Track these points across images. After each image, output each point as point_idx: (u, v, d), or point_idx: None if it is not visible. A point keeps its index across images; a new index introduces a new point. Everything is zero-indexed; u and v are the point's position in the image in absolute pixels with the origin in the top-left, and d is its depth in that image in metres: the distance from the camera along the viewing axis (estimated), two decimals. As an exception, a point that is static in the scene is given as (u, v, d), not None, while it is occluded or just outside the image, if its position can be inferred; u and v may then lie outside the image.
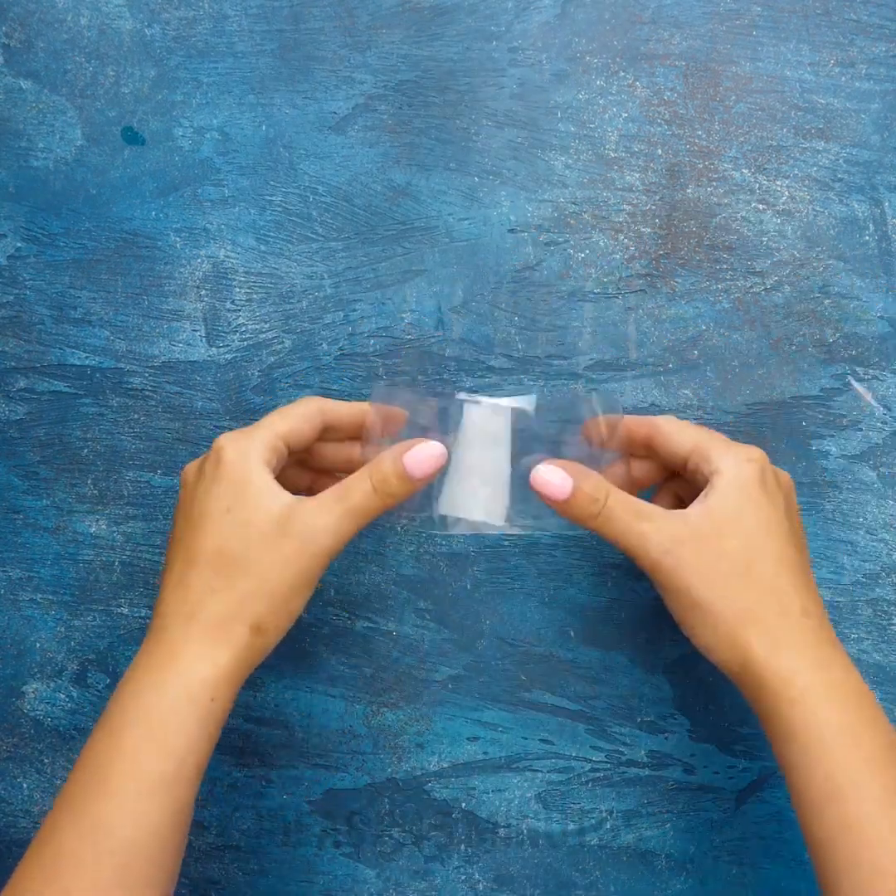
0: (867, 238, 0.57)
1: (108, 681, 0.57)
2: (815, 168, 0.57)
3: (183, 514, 0.46)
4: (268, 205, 0.57)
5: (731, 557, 0.44)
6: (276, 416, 0.47)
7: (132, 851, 0.40)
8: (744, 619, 0.43)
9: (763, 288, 0.56)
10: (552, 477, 0.44)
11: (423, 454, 0.45)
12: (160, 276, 0.57)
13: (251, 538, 0.44)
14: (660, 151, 0.57)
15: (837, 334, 0.56)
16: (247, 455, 0.45)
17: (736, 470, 0.45)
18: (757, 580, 0.43)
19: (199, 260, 0.57)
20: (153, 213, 0.57)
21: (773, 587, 0.44)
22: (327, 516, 0.44)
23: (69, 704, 0.57)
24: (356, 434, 0.50)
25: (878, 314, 0.56)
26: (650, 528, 0.44)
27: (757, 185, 0.57)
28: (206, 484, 0.45)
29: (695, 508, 0.45)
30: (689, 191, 0.57)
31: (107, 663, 0.57)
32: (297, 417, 0.47)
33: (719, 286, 0.56)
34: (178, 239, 0.57)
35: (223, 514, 0.44)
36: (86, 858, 0.40)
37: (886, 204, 0.57)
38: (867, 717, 0.42)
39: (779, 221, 0.57)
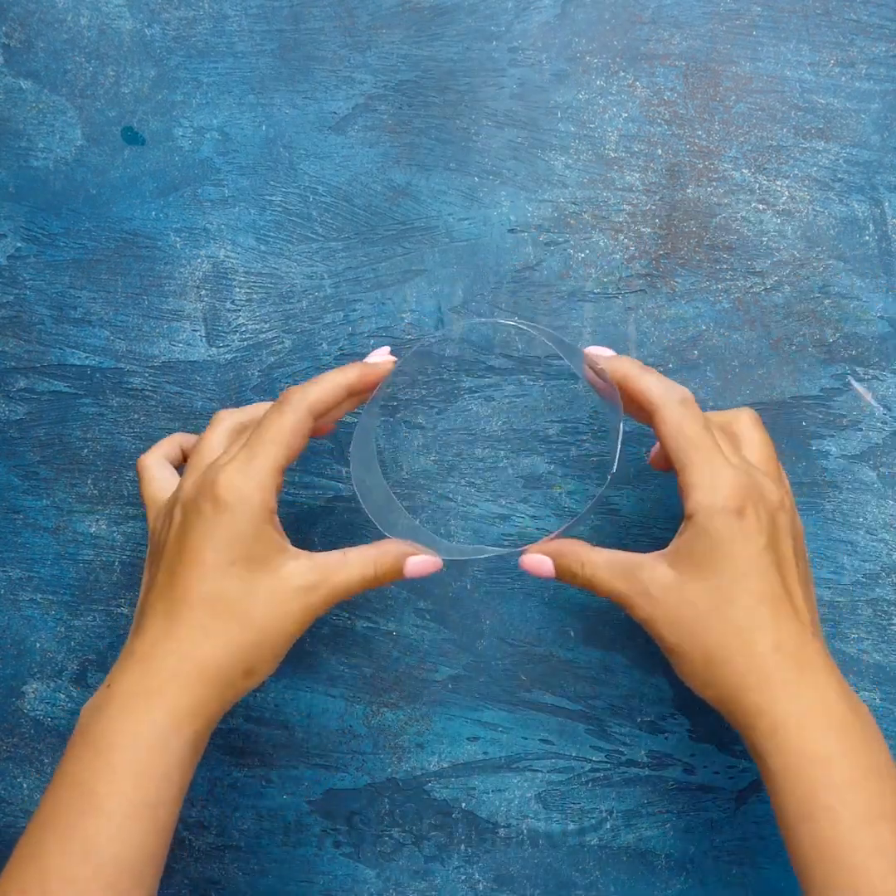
0: (867, 238, 0.57)
1: (108, 681, 0.57)
2: (815, 168, 0.57)
3: (177, 542, 0.45)
4: (268, 205, 0.57)
5: (694, 603, 0.44)
6: (271, 440, 0.45)
7: (120, 870, 0.41)
8: (710, 660, 0.44)
9: (763, 288, 0.56)
10: (535, 561, 0.48)
11: (423, 566, 0.47)
12: (160, 276, 0.57)
13: (258, 597, 0.44)
14: (660, 151, 0.57)
15: (837, 334, 0.56)
16: (251, 505, 0.44)
17: (708, 514, 0.44)
18: (723, 622, 0.44)
19: (199, 260, 0.57)
20: (153, 213, 0.57)
21: (742, 627, 0.44)
22: (331, 583, 0.45)
23: (69, 704, 0.57)
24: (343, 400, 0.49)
25: (878, 314, 0.56)
26: (622, 586, 0.45)
27: (757, 185, 0.57)
28: (205, 526, 0.44)
29: (663, 555, 0.45)
30: (689, 191, 0.57)
31: (107, 663, 0.57)
32: (292, 442, 0.45)
33: (719, 286, 0.56)
34: (178, 239, 0.57)
35: (226, 565, 0.44)
36: (76, 876, 0.40)
37: (886, 204, 0.57)
38: (844, 741, 0.42)
39: (779, 221, 0.57)
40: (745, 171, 0.57)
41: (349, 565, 0.46)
